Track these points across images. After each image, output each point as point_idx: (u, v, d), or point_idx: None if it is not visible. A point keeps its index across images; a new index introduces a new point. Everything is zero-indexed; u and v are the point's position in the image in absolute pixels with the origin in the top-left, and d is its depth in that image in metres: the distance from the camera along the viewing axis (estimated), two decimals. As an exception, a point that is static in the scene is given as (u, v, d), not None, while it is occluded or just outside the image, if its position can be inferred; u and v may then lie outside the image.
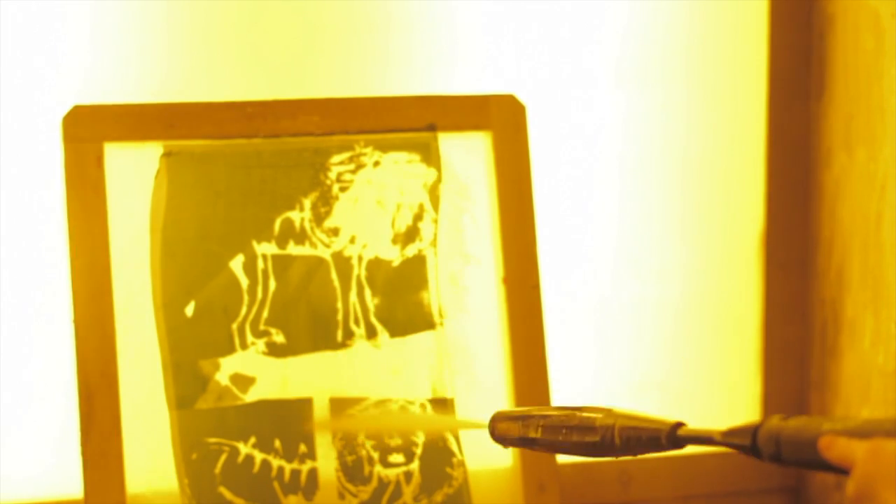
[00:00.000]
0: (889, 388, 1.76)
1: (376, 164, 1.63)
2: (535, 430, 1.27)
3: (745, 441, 1.13)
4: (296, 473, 1.57)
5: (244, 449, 1.56)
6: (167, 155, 1.57)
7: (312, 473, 1.57)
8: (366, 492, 1.59)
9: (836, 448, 1.07)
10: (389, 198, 1.63)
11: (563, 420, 1.24)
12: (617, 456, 1.21)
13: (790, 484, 1.92)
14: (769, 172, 1.89)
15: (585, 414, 1.23)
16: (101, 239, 1.54)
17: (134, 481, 1.52)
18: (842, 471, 1.06)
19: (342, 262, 1.61)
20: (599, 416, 1.22)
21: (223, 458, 1.55)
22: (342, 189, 1.62)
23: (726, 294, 1.91)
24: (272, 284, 1.59)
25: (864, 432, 1.06)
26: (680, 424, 1.19)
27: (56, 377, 1.64)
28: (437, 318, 1.63)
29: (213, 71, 1.70)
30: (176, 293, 1.56)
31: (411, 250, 1.63)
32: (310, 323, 1.59)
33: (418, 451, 1.61)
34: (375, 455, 1.59)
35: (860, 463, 1.04)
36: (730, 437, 1.15)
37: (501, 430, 1.31)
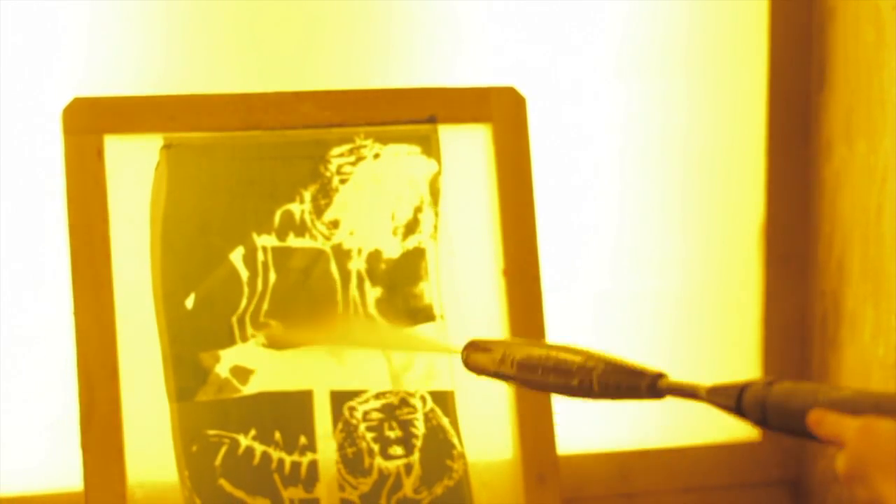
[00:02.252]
0: (889, 381, 1.76)
1: (376, 156, 1.63)
2: (510, 365, 1.25)
3: (729, 402, 1.10)
4: (296, 466, 1.57)
5: (244, 441, 1.56)
6: (167, 147, 1.57)
7: (312, 466, 1.57)
8: (366, 484, 1.59)
9: (826, 425, 1.04)
10: (389, 190, 1.63)
11: (540, 360, 1.22)
12: (595, 399, 1.18)
13: (790, 477, 1.92)
14: (769, 164, 1.89)
15: (563, 356, 1.20)
16: (101, 231, 1.54)
17: (134, 473, 1.52)
18: (832, 444, 1.05)
19: (342, 255, 1.61)
20: (578, 359, 1.19)
21: (223, 450, 1.55)
22: (342, 181, 1.62)
23: (726, 286, 1.91)
24: (272, 277, 1.59)
25: (854, 407, 1.04)
26: (661, 375, 1.16)
27: (56, 369, 1.64)
28: (437, 310, 1.63)
29: (214, 63, 1.70)
30: (176, 285, 1.56)
31: (411, 242, 1.63)
32: (310, 315, 1.59)
33: (418, 443, 1.61)
34: (376, 447, 1.59)
35: (851, 442, 1.02)
36: (714, 396, 1.11)
37: (475, 360, 1.28)
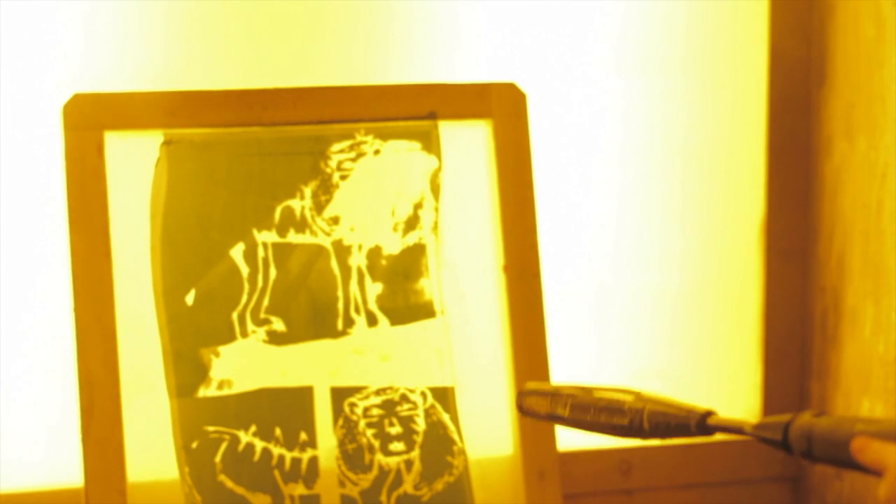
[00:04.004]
0: (889, 378, 1.76)
1: (377, 152, 1.63)
2: (563, 407, 1.28)
3: (776, 436, 1.14)
4: (296, 462, 1.57)
5: (245, 437, 1.56)
6: (167, 143, 1.57)
7: (313, 462, 1.57)
8: (366, 480, 1.59)
9: (869, 451, 1.06)
10: (390, 186, 1.63)
11: (592, 401, 1.26)
12: (645, 438, 1.23)
13: (790, 473, 1.92)
14: (770, 161, 1.89)
15: (615, 396, 1.24)
16: (101, 227, 1.54)
17: (134, 470, 1.52)
18: (874, 472, 1.06)
19: (342, 251, 1.61)
20: (629, 399, 1.23)
21: (223, 446, 1.55)
22: (342, 177, 1.62)
23: (727, 282, 1.91)
24: (272, 273, 1.58)
25: None
26: (710, 413, 1.20)
27: (56, 365, 1.64)
28: (437, 307, 1.63)
29: (214, 59, 1.70)
30: (176, 281, 1.56)
31: (412, 238, 1.63)
32: (310, 311, 1.59)
33: (419, 439, 1.61)
34: (376, 443, 1.59)
35: (893, 468, 1.04)
36: (761, 431, 1.15)
37: (530, 404, 1.32)
